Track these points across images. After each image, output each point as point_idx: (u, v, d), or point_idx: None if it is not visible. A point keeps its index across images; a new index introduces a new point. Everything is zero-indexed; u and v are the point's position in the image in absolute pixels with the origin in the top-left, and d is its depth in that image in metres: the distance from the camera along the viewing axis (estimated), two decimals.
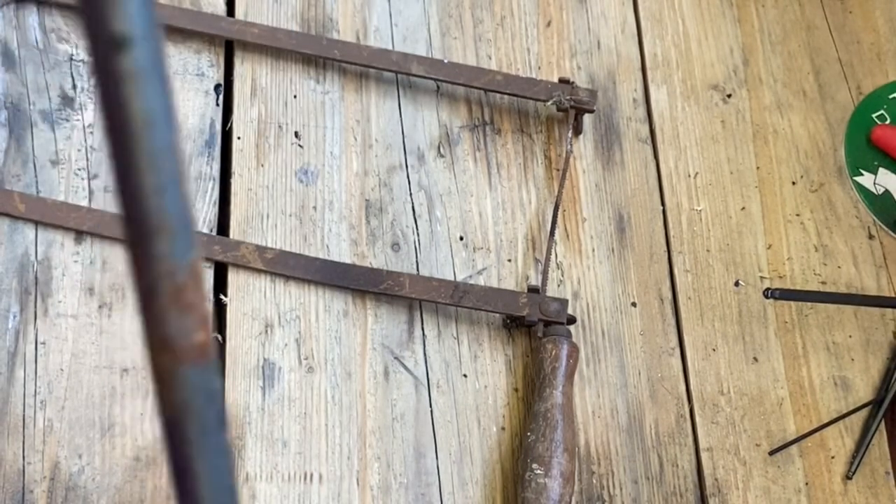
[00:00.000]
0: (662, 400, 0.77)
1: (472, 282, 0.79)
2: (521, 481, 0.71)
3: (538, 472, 0.70)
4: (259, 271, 0.77)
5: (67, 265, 0.76)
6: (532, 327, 0.77)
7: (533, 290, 0.77)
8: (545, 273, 0.78)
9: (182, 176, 0.23)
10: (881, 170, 0.86)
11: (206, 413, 0.22)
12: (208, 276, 0.77)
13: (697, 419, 0.77)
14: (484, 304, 0.76)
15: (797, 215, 0.84)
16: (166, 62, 0.23)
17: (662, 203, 0.84)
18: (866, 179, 0.85)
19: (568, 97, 0.83)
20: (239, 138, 0.82)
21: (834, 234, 0.83)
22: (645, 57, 0.88)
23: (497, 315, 0.78)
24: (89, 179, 0.78)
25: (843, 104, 0.88)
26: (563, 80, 0.84)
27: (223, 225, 0.80)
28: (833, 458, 0.76)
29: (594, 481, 0.74)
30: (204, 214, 0.79)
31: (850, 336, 0.80)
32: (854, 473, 0.76)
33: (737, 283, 0.81)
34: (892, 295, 0.82)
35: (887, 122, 0.87)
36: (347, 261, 0.79)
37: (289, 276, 0.77)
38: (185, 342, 0.22)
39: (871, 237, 0.83)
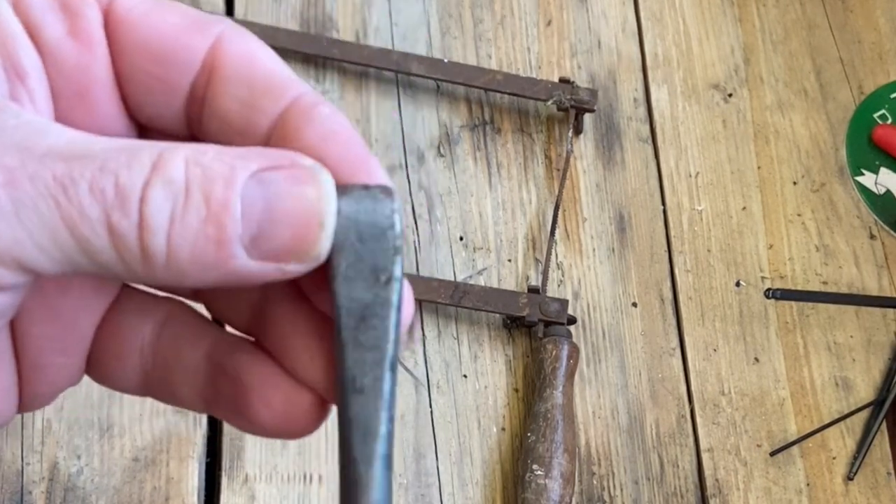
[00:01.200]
0: (663, 400, 0.77)
1: (472, 282, 0.79)
2: (521, 482, 0.71)
3: (538, 472, 0.70)
4: None
5: None
6: (532, 327, 0.77)
7: (533, 290, 0.77)
8: (545, 273, 0.78)
9: None
10: (882, 169, 0.86)
11: None
12: None
13: (698, 420, 0.77)
14: (484, 304, 0.76)
15: (798, 215, 0.84)
16: None
17: (663, 203, 0.83)
18: (868, 179, 0.85)
19: (568, 97, 0.83)
20: None
21: (835, 234, 0.83)
22: (645, 56, 0.88)
23: (497, 315, 0.77)
24: None
25: (845, 104, 0.88)
26: (563, 80, 0.84)
27: None
28: (834, 458, 0.76)
29: (594, 482, 0.74)
30: None
31: (852, 336, 0.80)
32: (855, 474, 0.76)
33: (738, 284, 0.81)
34: (894, 295, 0.82)
35: (889, 121, 0.87)
36: None
37: None
38: None
39: (872, 237, 0.83)
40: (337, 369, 0.28)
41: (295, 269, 0.27)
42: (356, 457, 0.30)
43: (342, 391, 0.29)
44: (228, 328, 0.32)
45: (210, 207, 0.26)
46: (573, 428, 0.73)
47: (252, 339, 0.31)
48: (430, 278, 0.77)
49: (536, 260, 0.80)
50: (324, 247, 0.27)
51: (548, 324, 0.76)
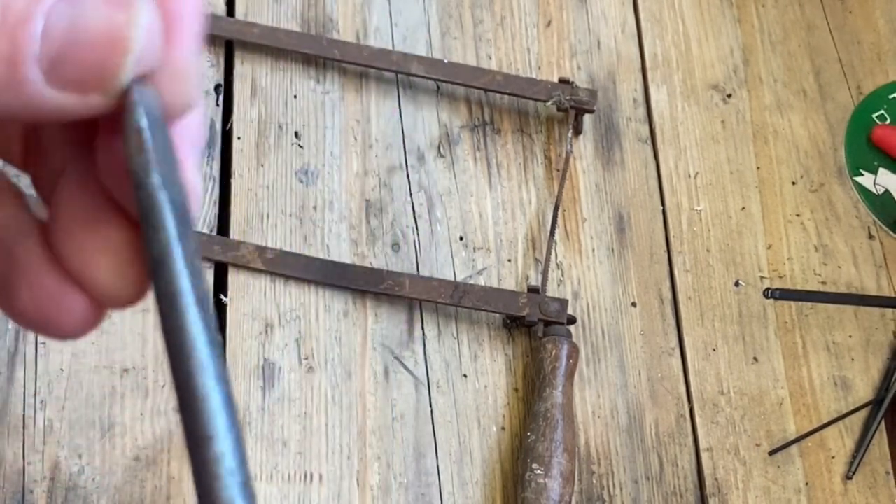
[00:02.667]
0: (662, 400, 0.77)
1: (472, 282, 0.79)
2: (520, 481, 0.71)
3: (538, 472, 0.70)
4: (259, 271, 0.77)
5: None
6: (532, 327, 0.77)
7: (533, 290, 0.77)
8: (545, 273, 0.78)
9: None
10: (881, 170, 0.86)
11: None
12: (208, 276, 0.77)
13: (697, 419, 0.77)
14: (484, 304, 0.76)
15: (797, 215, 0.84)
16: None
17: (662, 203, 0.84)
18: (866, 179, 0.85)
19: (568, 97, 0.83)
20: (239, 138, 0.82)
21: (834, 234, 0.83)
22: (645, 57, 0.88)
23: (497, 315, 0.78)
24: None
25: (844, 104, 0.88)
26: (563, 80, 0.84)
27: (223, 225, 0.80)
28: (833, 458, 0.76)
29: (594, 481, 0.74)
30: (204, 214, 0.79)
31: (851, 336, 0.80)
32: (854, 473, 0.76)
33: (737, 283, 0.81)
34: (893, 295, 0.82)
35: (887, 122, 0.87)
36: (347, 261, 0.79)
37: (289, 276, 0.77)
38: None
39: (871, 237, 0.83)
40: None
41: (97, 102, 0.26)
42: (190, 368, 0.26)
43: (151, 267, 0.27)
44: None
45: (7, 20, 0.24)
46: (573, 427, 0.73)
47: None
48: (430, 278, 0.78)
49: (536, 260, 0.81)
50: (127, 76, 0.25)
51: (548, 323, 0.76)
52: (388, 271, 0.78)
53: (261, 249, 0.77)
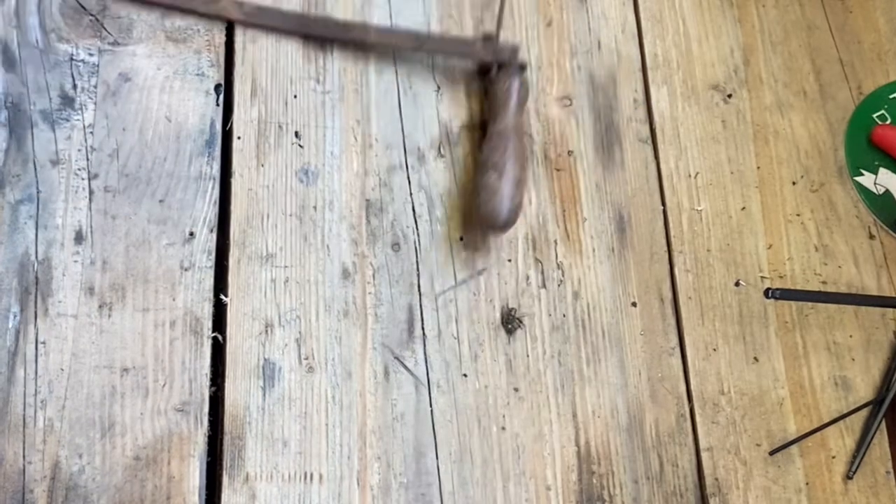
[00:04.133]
0: (663, 400, 0.77)
1: (469, 274, 0.79)
2: (477, 187, 0.78)
3: (493, 176, 0.77)
4: (259, 264, 0.77)
5: (67, 265, 0.76)
6: (489, 74, 0.83)
7: (487, 37, 0.84)
8: (499, 20, 0.85)
9: None
10: (881, 170, 0.86)
11: None
12: (208, 276, 0.77)
13: (698, 419, 0.77)
14: (442, 48, 0.84)
15: (797, 215, 0.84)
16: None
17: (663, 203, 0.84)
18: (867, 179, 0.85)
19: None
20: (239, 138, 0.82)
21: (834, 234, 0.83)
22: (645, 57, 0.88)
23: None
24: (89, 179, 0.78)
25: (844, 104, 0.88)
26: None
27: (223, 225, 0.80)
28: (834, 457, 0.76)
29: (594, 481, 0.74)
30: (204, 214, 0.79)
31: (851, 336, 0.80)
32: (854, 473, 0.76)
33: (737, 283, 0.81)
34: (893, 295, 0.82)
35: (888, 121, 0.87)
36: (348, 262, 0.79)
37: (267, 28, 0.80)
38: None
39: (871, 237, 0.83)
40: None
41: None
42: None
43: None
44: None
45: None
46: (523, 144, 0.79)
47: None
48: (394, 28, 0.85)
49: (536, 260, 0.81)
50: None
51: (501, 67, 0.82)
52: (356, 22, 0.84)
53: (239, 4, 0.83)
